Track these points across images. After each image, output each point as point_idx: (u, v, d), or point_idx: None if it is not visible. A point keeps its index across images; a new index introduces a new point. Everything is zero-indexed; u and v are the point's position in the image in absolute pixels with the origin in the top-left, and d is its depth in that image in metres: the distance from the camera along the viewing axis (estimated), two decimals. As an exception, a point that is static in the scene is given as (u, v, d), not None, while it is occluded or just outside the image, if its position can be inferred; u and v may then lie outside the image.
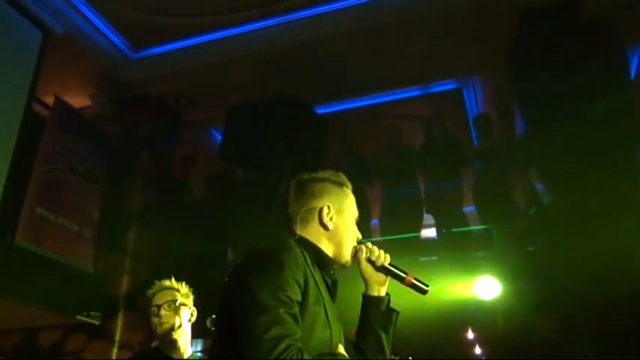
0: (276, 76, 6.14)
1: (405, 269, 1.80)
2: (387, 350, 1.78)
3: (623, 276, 4.21)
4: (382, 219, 6.29)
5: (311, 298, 1.48)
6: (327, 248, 1.72)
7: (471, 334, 5.55)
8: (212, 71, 6.27)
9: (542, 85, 4.93)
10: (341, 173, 1.85)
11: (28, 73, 5.29)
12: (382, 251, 1.80)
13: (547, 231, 5.31)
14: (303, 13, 5.83)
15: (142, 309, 5.78)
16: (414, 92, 6.87)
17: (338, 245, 1.74)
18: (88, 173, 5.87)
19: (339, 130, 6.78)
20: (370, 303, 1.82)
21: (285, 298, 1.39)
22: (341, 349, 1.54)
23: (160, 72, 6.39)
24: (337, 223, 1.74)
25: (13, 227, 4.93)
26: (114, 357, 5.34)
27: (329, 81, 6.20)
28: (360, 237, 1.83)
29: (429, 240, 6.23)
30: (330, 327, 1.54)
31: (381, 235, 6.14)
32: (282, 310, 1.36)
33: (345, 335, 1.71)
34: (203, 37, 6.11)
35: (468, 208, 6.34)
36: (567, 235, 4.80)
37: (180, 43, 6.21)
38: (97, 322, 5.45)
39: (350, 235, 1.77)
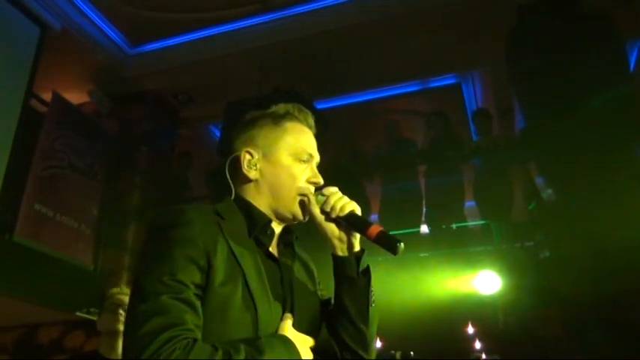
0: (275, 71, 6.13)
1: (368, 221, 1.40)
2: (365, 324, 1.40)
3: (623, 270, 4.21)
4: (382, 214, 6.29)
5: (219, 277, 1.23)
6: (261, 203, 1.43)
7: (470, 329, 5.56)
8: (210, 67, 6.25)
9: (542, 80, 4.93)
10: (285, 105, 1.53)
11: (25, 70, 5.27)
12: (338, 196, 1.41)
13: (547, 226, 5.31)
14: (301, 8, 5.82)
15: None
16: (413, 87, 6.86)
17: (273, 197, 1.43)
18: (87, 170, 5.85)
19: (338, 126, 6.77)
20: (335, 266, 1.43)
21: (172, 282, 1.18)
22: (286, 330, 1.29)
23: (158, 68, 6.38)
24: (265, 169, 1.44)
25: (11, 224, 4.92)
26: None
27: (328, 76, 6.19)
28: (320, 181, 1.47)
29: (428, 235, 6.23)
30: (256, 307, 1.26)
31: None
32: (165, 297, 1.15)
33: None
34: (201, 33, 6.10)
35: (468, 204, 6.34)
36: (567, 230, 4.80)
37: (178, 39, 6.20)
38: (96, 319, 5.44)
39: (288, 180, 1.43)
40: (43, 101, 5.75)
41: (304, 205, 1.43)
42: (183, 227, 1.27)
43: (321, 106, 6.61)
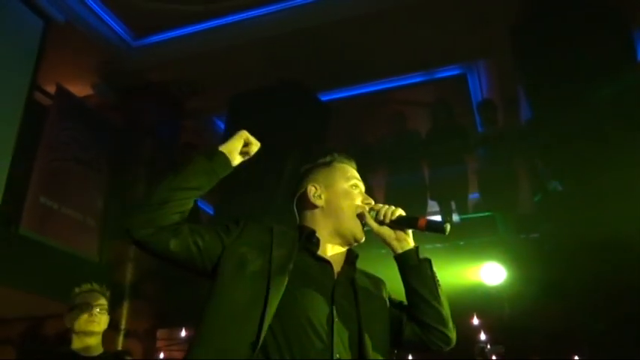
0: (280, 63, 6.11)
1: (415, 217, 1.68)
2: (439, 307, 1.66)
3: (629, 262, 4.20)
4: (386, 206, 6.27)
5: (244, 248, 1.53)
6: (326, 227, 1.69)
7: (475, 320, 5.55)
8: (214, 59, 6.24)
9: (548, 70, 4.90)
10: (332, 154, 1.85)
11: (29, 63, 5.27)
12: (387, 206, 1.70)
13: (552, 217, 5.30)
14: (306, -1, 5.79)
15: (147, 297, 5.83)
16: (418, 78, 6.83)
17: (337, 218, 1.70)
18: (92, 162, 5.86)
19: (342, 117, 6.76)
20: (399, 263, 1.71)
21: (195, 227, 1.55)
22: None
23: (162, 60, 6.37)
24: (328, 197, 1.73)
25: (17, 217, 4.93)
26: (119, 345, 5.35)
27: (333, 67, 6.17)
28: (372, 202, 1.75)
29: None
30: (270, 277, 1.46)
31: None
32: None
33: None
34: (205, 25, 6.07)
35: (472, 195, 6.32)
36: (572, 222, 4.78)
37: (182, 31, 6.18)
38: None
39: (348, 203, 1.72)
40: (47, 94, 5.75)
41: (362, 220, 1.69)
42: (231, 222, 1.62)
43: (326, 97, 6.60)
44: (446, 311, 1.68)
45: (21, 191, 5.02)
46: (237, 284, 1.46)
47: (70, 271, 5.32)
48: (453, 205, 6.17)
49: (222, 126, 7.44)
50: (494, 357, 4.53)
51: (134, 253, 5.86)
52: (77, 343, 2.77)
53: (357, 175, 1.81)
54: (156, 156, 6.44)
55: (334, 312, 1.49)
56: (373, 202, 1.74)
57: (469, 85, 7.04)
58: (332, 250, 1.69)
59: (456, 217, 6.07)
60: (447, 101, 6.42)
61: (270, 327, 1.40)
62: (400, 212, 1.69)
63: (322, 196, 1.72)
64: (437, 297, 1.67)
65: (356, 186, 1.76)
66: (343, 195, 1.73)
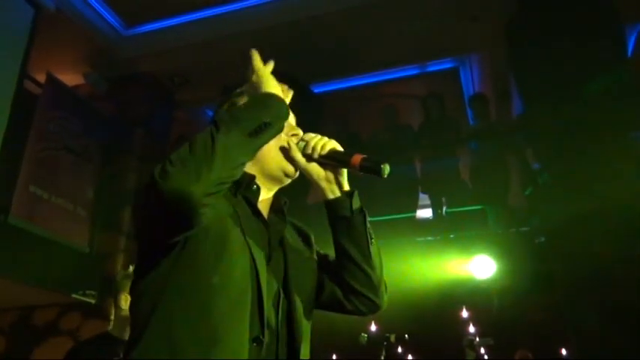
0: (272, 54, 6.06)
1: (349, 152, 1.39)
2: (369, 269, 1.41)
3: (618, 255, 4.23)
4: (377, 199, 6.29)
5: (218, 212, 1.26)
6: (249, 170, 1.39)
7: (465, 313, 5.58)
8: (206, 49, 6.20)
9: (540, 64, 4.91)
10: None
11: (19, 51, 5.22)
12: (318, 137, 1.43)
13: (542, 211, 5.33)
14: (298, -10, 5.76)
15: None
16: (411, 71, 6.83)
17: (259, 157, 1.39)
18: (83, 152, 5.82)
19: (334, 109, 6.75)
20: (328, 211, 1.44)
21: None
22: None
23: (154, 50, 6.33)
24: None
25: (6, 206, 4.90)
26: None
27: (325, 60, 6.15)
28: (299, 132, 1.49)
29: (424, 220, 6.25)
30: (251, 250, 1.27)
31: (377, 215, 6.15)
32: None
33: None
34: (197, 14, 6.03)
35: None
36: (562, 215, 4.81)
37: (174, 20, 6.13)
38: (92, 301, 5.45)
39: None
40: (37, 83, 5.70)
41: (286, 153, 1.43)
42: None
43: (317, 89, 6.58)
44: (377, 274, 1.43)
45: (10, 180, 4.98)
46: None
47: (59, 262, 5.30)
48: (444, 198, 6.19)
49: (214, 117, 7.41)
50: (482, 349, 4.56)
51: (124, 244, 5.85)
52: (124, 330, 2.74)
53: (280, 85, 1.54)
54: (147, 146, 6.41)
55: (261, 282, 1.25)
56: (301, 132, 1.49)
57: (461, 78, 7.05)
58: (262, 195, 1.43)
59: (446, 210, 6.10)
60: (439, 94, 6.43)
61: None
62: (333, 145, 1.42)
63: None
64: (368, 258, 1.41)
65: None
66: None
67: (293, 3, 5.76)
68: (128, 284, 2.76)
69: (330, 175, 1.42)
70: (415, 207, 6.15)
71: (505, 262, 4.89)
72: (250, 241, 1.28)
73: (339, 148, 1.42)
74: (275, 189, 1.48)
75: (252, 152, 1.27)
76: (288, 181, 1.47)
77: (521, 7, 5.14)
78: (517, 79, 5.49)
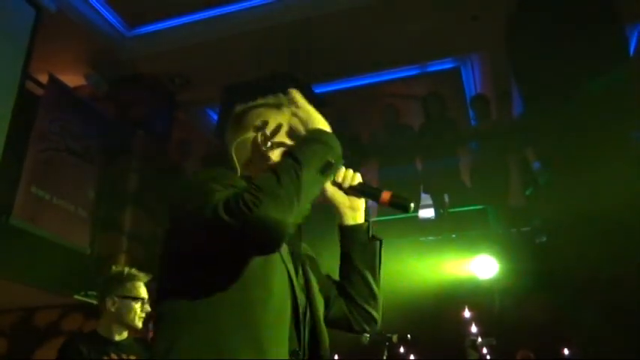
0: (273, 55, 6.09)
1: (379, 188, 1.52)
2: (376, 288, 1.56)
3: (619, 256, 4.23)
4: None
5: None
6: None
7: (467, 313, 5.58)
8: (208, 50, 6.21)
9: (541, 64, 4.91)
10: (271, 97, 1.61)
11: (21, 52, 5.21)
12: (350, 170, 1.53)
13: (543, 211, 5.33)
14: (299, -10, 5.76)
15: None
16: (412, 71, 6.83)
17: None
18: (84, 153, 5.82)
19: (335, 110, 6.75)
20: (346, 234, 1.57)
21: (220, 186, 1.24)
22: None
23: (155, 50, 6.33)
24: (271, 154, 1.46)
25: (8, 207, 4.90)
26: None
27: (326, 60, 6.15)
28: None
29: (426, 220, 6.25)
30: (284, 261, 1.34)
31: (378, 215, 6.15)
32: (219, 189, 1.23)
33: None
34: (199, 15, 6.04)
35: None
36: (564, 215, 4.81)
37: (175, 21, 6.14)
38: (94, 302, 5.45)
39: None
40: (39, 83, 5.70)
41: None
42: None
43: (319, 90, 6.58)
44: (379, 295, 1.58)
45: (12, 181, 4.98)
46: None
47: (61, 263, 5.29)
48: (446, 197, 6.19)
49: (215, 117, 7.42)
50: (485, 349, 4.56)
51: (126, 245, 5.85)
52: (112, 330, 2.78)
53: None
54: (148, 147, 6.42)
55: (297, 297, 1.33)
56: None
57: (463, 78, 7.05)
58: None
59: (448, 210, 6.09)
60: (440, 94, 6.43)
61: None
62: (361, 178, 1.54)
63: (263, 154, 1.48)
64: (377, 279, 1.57)
65: None
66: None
67: (293, 4, 5.77)
68: (115, 286, 2.77)
69: (356, 204, 1.56)
70: (417, 207, 6.14)
71: (507, 262, 4.89)
72: (285, 257, 1.35)
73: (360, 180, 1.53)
74: None
75: (320, 189, 1.34)
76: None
77: (521, 7, 5.14)
78: (517, 79, 5.49)
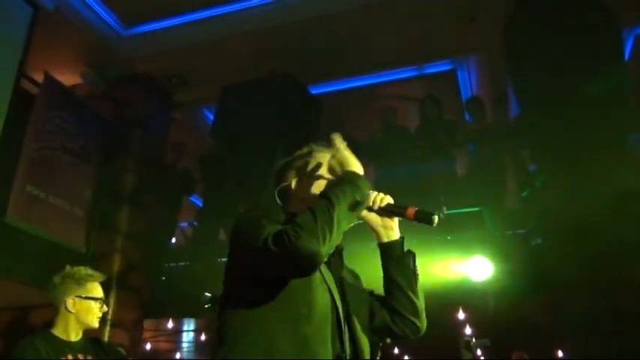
0: (271, 55, 6.09)
1: (404, 205, 1.72)
2: (414, 298, 1.74)
3: (615, 259, 4.24)
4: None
5: None
6: None
7: (461, 314, 5.59)
8: (205, 50, 6.21)
9: (537, 66, 4.92)
10: (310, 145, 1.86)
11: (17, 50, 5.21)
12: (378, 193, 1.74)
13: (539, 213, 5.34)
14: (297, -9, 5.76)
15: (134, 288, 5.81)
16: (408, 73, 6.83)
17: None
18: (80, 152, 5.82)
19: (332, 111, 6.76)
20: (383, 251, 1.78)
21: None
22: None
23: (152, 50, 6.32)
24: (311, 187, 1.74)
25: (3, 205, 4.89)
26: (106, 336, 5.34)
27: (324, 61, 6.16)
28: None
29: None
30: (326, 280, 1.60)
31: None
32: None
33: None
34: (196, 15, 6.03)
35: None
36: (559, 218, 4.82)
37: (172, 21, 6.13)
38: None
39: None
40: (35, 82, 5.69)
41: None
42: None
43: (316, 90, 6.59)
44: (420, 303, 1.76)
45: (7, 180, 4.98)
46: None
47: (56, 261, 5.28)
48: (442, 199, 6.19)
49: (212, 117, 7.42)
50: (479, 350, 4.57)
51: (121, 244, 5.85)
52: (69, 331, 2.76)
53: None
54: (144, 147, 6.41)
55: (339, 311, 1.58)
56: None
57: (459, 80, 7.06)
58: None
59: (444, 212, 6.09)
60: (436, 96, 6.44)
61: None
62: (389, 200, 1.73)
63: (305, 188, 1.76)
64: (414, 289, 1.74)
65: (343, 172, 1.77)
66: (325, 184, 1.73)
67: (291, 4, 5.77)
68: (72, 286, 2.75)
69: (387, 223, 1.77)
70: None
71: (502, 263, 4.90)
72: (328, 278, 1.61)
73: (392, 201, 1.74)
74: None
75: (350, 223, 1.55)
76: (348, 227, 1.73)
77: (518, 10, 5.15)
78: (514, 81, 5.50)
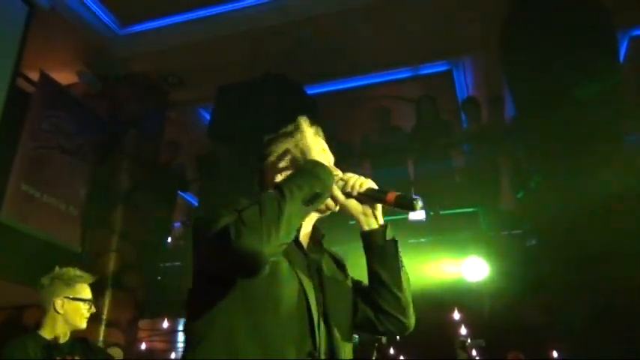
0: (266, 55, 6.09)
1: (385, 190, 1.54)
2: (397, 291, 1.58)
3: (608, 259, 4.25)
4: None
5: None
6: None
7: (457, 315, 5.61)
8: (201, 50, 6.20)
9: (533, 68, 4.93)
10: (295, 122, 1.68)
11: (13, 49, 5.19)
12: (356, 177, 1.57)
13: (534, 214, 5.35)
14: (293, -9, 5.76)
15: (129, 288, 5.80)
16: (404, 74, 6.84)
17: None
18: (75, 151, 5.81)
19: (328, 111, 6.76)
20: (364, 241, 1.62)
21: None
22: None
23: (148, 49, 6.32)
24: (275, 178, 1.63)
25: (-2, 204, 4.88)
26: (101, 335, 5.33)
27: (319, 61, 6.16)
28: (339, 172, 1.61)
29: (416, 222, 6.26)
30: (299, 277, 1.46)
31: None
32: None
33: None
34: (193, 15, 6.02)
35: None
36: (554, 218, 4.83)
37: (169, 20, 6.12)
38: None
39: None
40: (31, 81, 5.68)
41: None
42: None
43: (311, 91, 6.59)
44: (405, 297, 1.61)
45: (2, 179, 4.96)
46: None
47: (51, 261, 5.25)
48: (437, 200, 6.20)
49: (208, 117, 7.42)
50: (474, 351, 4.58)
51: (116, 244, 5.83)
52: (57, 332, 2.74)
53: (322, 142, 1.68)
54: (140, 146, 6.40)
55: (311, 306, 1.44)
56: (341, 173, 1.61)
57: (455, 81, 7.07)
58: (304, 229, 1.61)
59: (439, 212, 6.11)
60: (432, 97, 6.45)
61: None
62: (370, 184, 1.57)
63: (282, 173, 1.62)
64: (398, 282, 1.59)
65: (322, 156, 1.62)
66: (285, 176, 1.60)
67: (287, 4, 5.77)
68: (61, 287, 2.75)
69: (367, 210, 1.60)
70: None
71: (497, 264, 4.91)
72: (297, 270, 1.47)
73: (374, 186, 1.56)
74: (314, 221, 1.65)
75: (304, 218, 1.45)
76: (328, 214, 1.63)
77: (514, 10, 5.16)
78: (510, 82, 5.52)
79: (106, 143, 6.24)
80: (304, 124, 1.63)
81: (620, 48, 5.57)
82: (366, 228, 1.61)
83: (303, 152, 1.56)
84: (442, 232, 5.57)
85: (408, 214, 1.43)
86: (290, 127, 1.68)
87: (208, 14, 6.00)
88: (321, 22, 5.78)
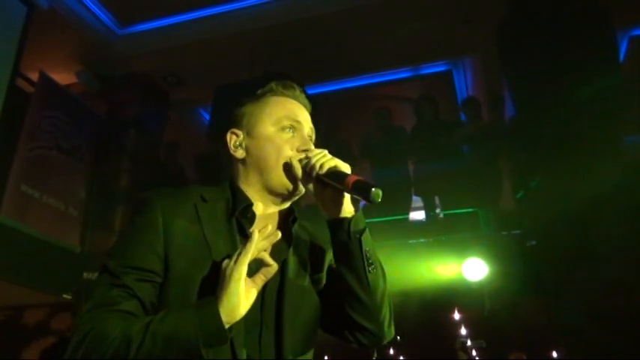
0: (266, 55, 6.09)
1: (346, 173, 1.25)
2: (363, 295, 1.27)
3: (608, 259, 4.25)
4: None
5: (181, 262, 1.20)
6: (252, 182, 1.36)
7: (457, 315, 5.59)
8: (201, 50, 6.20)
9: (532, 68, 4.93)
10: (271, 83, 1.45)
11: (12, 49, 5.19)
12: (320, 155, 1.28)
13: (533, 214, 5.35)
14: (293, -9, 5.76)
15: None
16: (404, 74, 6.84)
17: (261, 172, 1.35)
18: (75, 151, 5.80)
19: (327, 111, 6.76)
20: (330, 231, 1.31)
21: (124, 269, 1.17)
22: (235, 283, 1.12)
23: (147, 49, 6.32)
24: (250, 146, 1.38)
25: (-3, 205, 4.88)
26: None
27: (318, 61, 6.16)
28: (310, 147, 1.36)
29: (417, 222, 6.26)
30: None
31: (369, 218, 6.14)
32: (108, 285, 1.17)
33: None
34: (192, 15, 6.03)
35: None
36: (553, 219, 4.83)
37: (168, 20, 6.13)
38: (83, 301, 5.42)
39: (273, 151, 1.34)
40: (30, 81, 5.67)
41: (288, 171, 1.33)
42: (144, 214, 1.25)
43: (310, 91, 6.59)
44: (376, 304, 1.29)
45: (1, 179, 4.96)
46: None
47: (50, 261, 5.27)
48: (437, 200, 6.20)
49: (207, 117, 7.41)
50: (474, 351, 4.58)
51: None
52: None
53: (296, 109, 1.44)
54: (140, 146, 6.40)
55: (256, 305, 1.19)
56: (312, 149, 1.35)
57: (455, 81, 7.07)
58: (265, 210, 1.37)
59: (439, 213, 6.11)
60: (432, 97, 6.44)
61: None
62: (335, 163, 1.27)
63: (243, 145, 1.39)
64: (365, 286, 1.26)
65: (291, 127, 1.39)
66: (269, 143, 1.35)
67: (287, 5, 5.77)
68: None
69: (332, 196, 1.28)
70: (408, 209, 6.15)
71: (497, 264, 4.91)
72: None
73: (345, 168, 1.27)
74: (281, 203, 1.39)
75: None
76: (295, 197, 1.38)
77: (513, 11, 5.16)
78: (509, 83, 5.51)
79: (106, 143, 6.23)
80: (266, 88, 1.42)
81: (620, 48, 5.56)
82: (329, 218, 1.30)
83: (254, 125, 1.38)
84: (442, 232, 5.57)
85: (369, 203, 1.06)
86: (260, 91, 1.46)
87: (208, 14, 6.00)
88: (320, 22, 5.77)
